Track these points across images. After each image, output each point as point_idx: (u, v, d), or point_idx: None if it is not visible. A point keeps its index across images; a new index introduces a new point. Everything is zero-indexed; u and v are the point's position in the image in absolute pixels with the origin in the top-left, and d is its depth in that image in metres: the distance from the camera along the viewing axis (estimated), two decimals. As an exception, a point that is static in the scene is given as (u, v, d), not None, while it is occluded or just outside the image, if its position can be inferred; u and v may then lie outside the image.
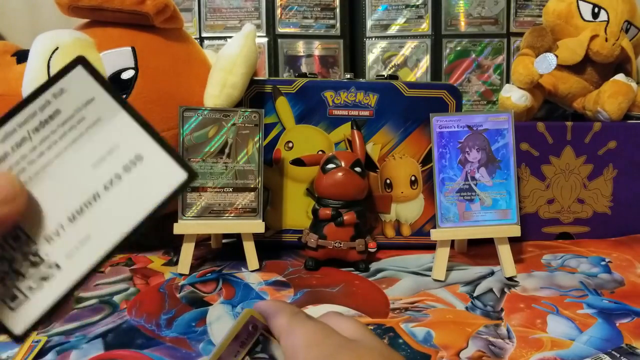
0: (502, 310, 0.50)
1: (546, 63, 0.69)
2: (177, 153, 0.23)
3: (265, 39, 0.87)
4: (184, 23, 0.65)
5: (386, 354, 0.28)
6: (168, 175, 0.23)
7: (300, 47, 0.88)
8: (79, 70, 0.23)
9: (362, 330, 0.30)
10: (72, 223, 0.23)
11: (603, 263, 0.61)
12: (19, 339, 0.22)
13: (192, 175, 0.23)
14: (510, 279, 0.57)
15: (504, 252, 0.58)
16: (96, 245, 0.22)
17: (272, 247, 0.65)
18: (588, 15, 0.75)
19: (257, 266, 0.60)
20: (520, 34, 0.80)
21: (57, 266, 0.22)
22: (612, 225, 0.69)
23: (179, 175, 0.23)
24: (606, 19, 0.74)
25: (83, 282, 0.22)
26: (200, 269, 0.60)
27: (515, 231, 0.58)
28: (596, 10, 0.74)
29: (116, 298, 0.53)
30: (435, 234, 0.58)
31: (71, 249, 0.22)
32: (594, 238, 0.69)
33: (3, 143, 0.23)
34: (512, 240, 0.59)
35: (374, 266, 0.61)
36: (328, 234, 0.59)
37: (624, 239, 0.68)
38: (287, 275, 0.59)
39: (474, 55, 0.87)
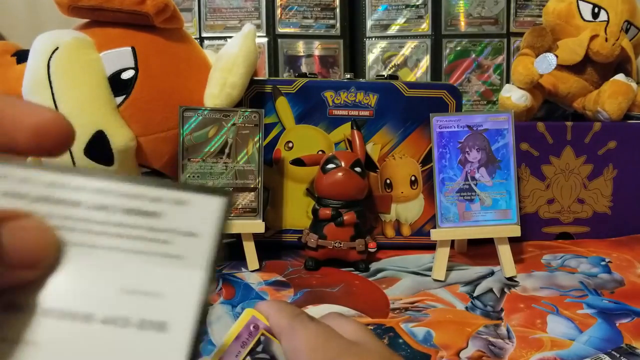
0: (502, 310, 0.50)
1: (546, 63, 0.69)
2: None
3: (265, 39, 0.87)
4: (184, 23, 0.65)
5: (388, 357, 0.28)
6: None
7: (300, 47, 0.88)
8: (214, 200, 0.19)
9: (363, 332, 0.30)
10: (42, 317, 0.18)
11: (603, 263, 0.61)
12: None
13: None
14: (510, 279, 0.57)
15: (504, 252, 0.58)
16: (26, 357, 0.18)
17: (272, 247, 0.65)
18: (588, 15, 0.75)
19: (257, 266, 0.60)
20: (520, 34, 0.80)
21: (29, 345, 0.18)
22: (612, 225, 0.69)
23: None
24: (606, 19, 0.74)
25: None
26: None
27: (515, 231, 0.58)
28: (596, 10, 0.74)
29: None
30: (435, 234, 0.59)
31: (14, 337, 0.18)
32: (594, 238, 0.69)
33: (90, 194, 0.19)
34: (512, 240, 0.59)
35: (374, 266, 0.61)
36: (328, 234, 0.59)
37: (623, 239, 0.68)
38: (287, 275, 0.59)
39: (474, 55, 0.87)
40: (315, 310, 0.49)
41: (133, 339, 0.18)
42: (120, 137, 0.54)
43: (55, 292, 0.18)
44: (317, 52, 0.88)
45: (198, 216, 0.19)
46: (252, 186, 0.60)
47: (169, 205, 0.19)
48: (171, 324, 0.18)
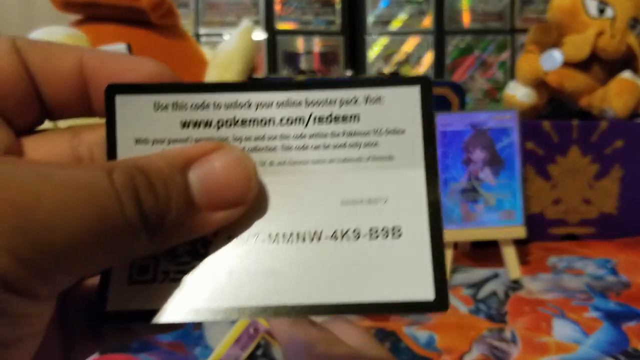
0: (506, 313, 0.50)
1: (551, 60, 0.68)
2: (445, 269, 0.17)
3: (264, 36, 0.86)
4: (180, 19, 0.64)
5: None
6: (413, 282, 0.17)
7: (300, 43, 0.87)
8: (413, 90, 0.18)
9: (366, 338, 0.29)
10: (268, 245, 0.17)
11: (609, 265, 0.61)
12: (101, 317, 0.17)
13: (441, 306, 0.16)
14: (514, 281, 0.56)
15: (509, 254, 0.57)
16: (269, 288, 0.17)
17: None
18: (594, 12, 0.74)
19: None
20: (525, 31, 0.79)
21: (213, 276, 0.17)
22: (618, 227, 0.69)
23: (425, 293, 0.16)
24: (612, 16, 0.73)
25: (221, 318, 0.16)
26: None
27: (521, 232, 0.58)
28: (602, 6, 0.74)
29: None
30: (438, 235, 0.58)
31: (241, 270, 0.17)
32: (600, 239, 0.68)
33: (278, 109, 0.17)
34: (516, 242, 0.58)
35: (375, 267, 0.60)
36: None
37: (630, 241, 0.68)
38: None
39: (477, 52, 0.86)
40: (315, 314, 0.49)
41: (369, 250, 0.17)
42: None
43: (271, 218, 0.17)
44: (317, 49, 0.87)
45: (399, 110, 0.18)
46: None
47: (364, 105, 0.18)
48: (405, 228, 0.17)
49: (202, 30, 0.86)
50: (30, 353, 0.14)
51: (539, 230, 0.68)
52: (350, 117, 0.18)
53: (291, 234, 0.17)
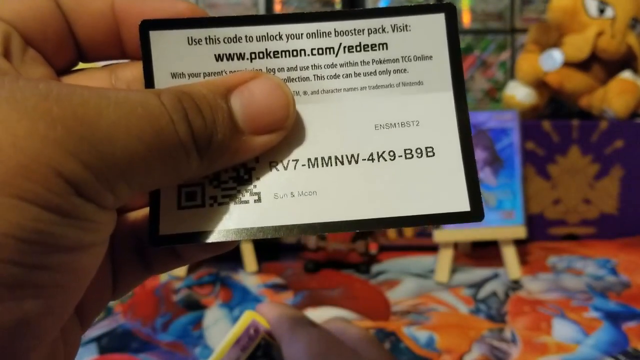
0: (506, 313, 0.49)
1: (551, 60, 0.68)
2: (478, 182, 0.18)
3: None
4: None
5: None
6: (449, 195, 0.18)
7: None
8: (438, 17, 0.18)
9: (367, 339, 0.29)
10: (308, 168, 0.18)
11: (609, 265, 0.61)
12: (155, 240, 0.17)
13: (477, 214, 0.18)
14: (514, 281, 0.56)
15: (509, 254, 0.57)
16: (313, 207, 0.17)
17: (271, 248, 0.65)
18: (594, 12, 0.74)
19: (255, 268, 0.59)
20: (525, 30, 0.79)
21: (257, 199, 0.17)
22: (619, 226, 0.68)
23: (461, 205, 0.18)
24: (612, 16, 0.73)
25: (280, 234, 0.17)
26: (196, 271, 0.59)
27: (521, 233, 0.57)
28: (602, 6, 0.73)
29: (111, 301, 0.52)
30: (438, 236, 0.58)
31: (284, 192, 0.17)
32: (601, 239, 0.68)
33: (308, 40, 0.18)
34: (516, 242, 0.58)
35: (375, 268, 0.60)
36: (328, 235, 0.58)
37: (631, 241, 0.67)
38: (286, 278, 0.58)
39: (477, 52, 0.86)
40: (315, 314, 0.48)
41: (405, 168, 0.18)
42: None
43: (309, 144, 0.18)
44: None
45: (426, 37, 0.18)
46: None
47: (392, 33, 0.18)
48: (438, 148, 0.18)
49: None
50: (98, 261, 0.15)
51: (539, 230, 0.68)
52: (379, 45, 0.18)
53: (329, 158, 0.18)
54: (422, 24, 0.18)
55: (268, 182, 0.18)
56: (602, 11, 0.73)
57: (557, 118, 0.80)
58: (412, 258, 0.63)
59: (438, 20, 0.18)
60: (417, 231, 0.66)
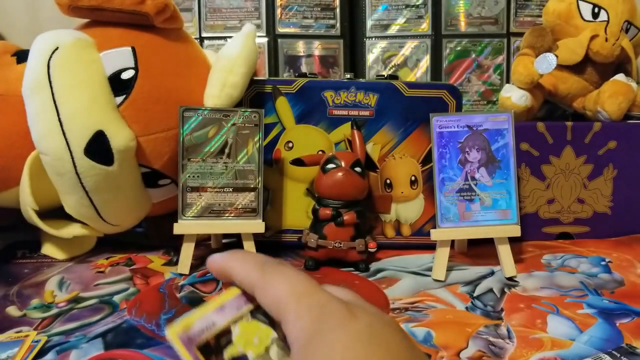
0: (502, 310, 0.50)
1: (546, 63, 0.69)
2: None
3: (265, 39, 0.87)
4: (184, 23, 0.65)
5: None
6: None
7: (300, 47, 0.88)
8: None
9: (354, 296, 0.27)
10: None
11: (603, 263, 0.61)
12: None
13: None
14: (510, 279, 0.57)
15: (504, 252, 0.58)
16: None
17: (272, 247, 0.65)
18: (588, 15, 0.75)
19: (257, 266, 0.60)
20: (521, 34, 0.80)
21: None
22: (612, 225, 0.69)
23: None
24: (606, 19, 0.74)
25: None
26: (200, 269, 0.60)
27: (515, 231, 0.58)
28: (596, 10, 0.74)
29: (116, 298, 0.53)
30: (435, 234, 0.58)
31: None
32: (594, 238, 0.69)
33: None
34: (512, 240, 0.59)
35: (374, 266, 0.61)
36: (328, 234, 0.59)
37: (624, 239, 0.68)
38: (287, 275, 0.58)
39: (474, 55, 0.87)
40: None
41: None
42: (120, 137, 0.54)
43: None
44: (317, 52, 0.88)
45: None
46: (252, 186, 0.60)
47: None
48: None
49: (205, 34, 0.87)
50: None
51: (534, 229, 0.69)
52: None
53: None
54: None
55: None
56: (596, 15, 0.74)
57: (552, 120, 0.81)
58: (410, 256, 0.64)
59: None
60: (415, 230, 0.67)
